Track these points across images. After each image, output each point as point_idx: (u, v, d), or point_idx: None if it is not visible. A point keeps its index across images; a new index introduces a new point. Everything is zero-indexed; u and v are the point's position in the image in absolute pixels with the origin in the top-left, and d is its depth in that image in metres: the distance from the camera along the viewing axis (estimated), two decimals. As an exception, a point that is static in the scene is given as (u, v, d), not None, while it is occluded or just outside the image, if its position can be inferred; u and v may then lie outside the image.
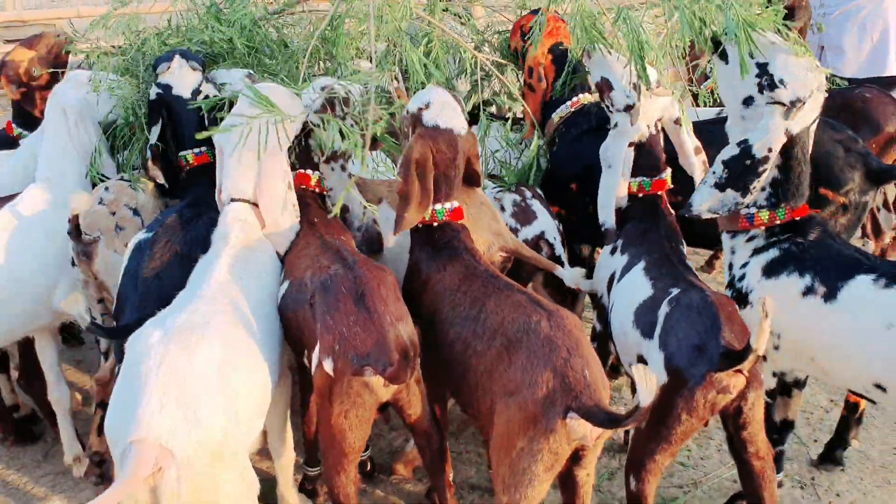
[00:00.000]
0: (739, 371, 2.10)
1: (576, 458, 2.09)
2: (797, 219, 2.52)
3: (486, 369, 2.20)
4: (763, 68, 2.44)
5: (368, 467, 3.11)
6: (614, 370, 3.34)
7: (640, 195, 2.84)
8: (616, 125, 2.88)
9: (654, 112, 2.86)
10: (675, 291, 2.37)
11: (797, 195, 2.52)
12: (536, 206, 3.14)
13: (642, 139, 2.85)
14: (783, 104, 2.41)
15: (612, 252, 2.81)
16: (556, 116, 3.43)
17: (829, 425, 3.41)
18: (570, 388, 1.98)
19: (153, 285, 2.61)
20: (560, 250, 3.09)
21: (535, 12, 3.53)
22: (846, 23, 5.04)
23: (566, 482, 2.17)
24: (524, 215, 3.10)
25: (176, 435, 1.92)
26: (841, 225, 3.05)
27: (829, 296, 2.34)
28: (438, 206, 2.59)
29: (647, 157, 2.85)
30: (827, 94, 3.92)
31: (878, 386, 2.29)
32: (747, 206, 2.54)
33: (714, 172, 2.48)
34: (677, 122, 2.92)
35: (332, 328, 2.23)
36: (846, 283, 2.33)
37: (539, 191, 3.29)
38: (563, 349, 2.05)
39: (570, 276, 2.87)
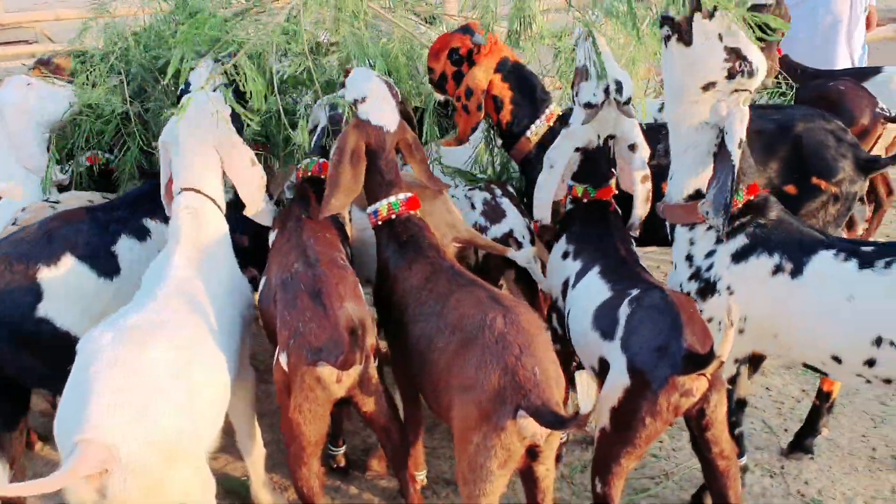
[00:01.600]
0: (702, 374, 2.11)
1: (532, 453, 2.12)
2: (753, 199, 2.53)
3: (445, 365, 2.24)
4: (736, 53, 2.38)
5: (343, 463, 3.13)
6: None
7: (585, 200, 2.83)
8: (569, 124, 2.81)
9: (609, 127, 2.79)
10: (634, 292, 2.38)
11: (749, 173, 2.53)
12: (506, 203, 3.15)
13: (590, 146, 2.80)
14: (748, 91, 2.40)
15: (564, 257, 2.80)
16: (531, 134, 3.20)
17: (799, 415, 3.45)
18: (520, 386, 2.02)
19: None
20: (528, 248, 3.08)
21: (464, 30, 3.22)
22: (797, 10, 5.06)
23: (526, 477, 2.21)
24: (493, 213, 3.12)
25: (124, 436, 1.92)
26: (830, 215, 3.06)
27: (796, 271, 2.38)
28: (392, 199, 2.65)
29: (593, 166, 2.81)
30: (799, 86, 4.01)
31: (835, 357, 2.34)
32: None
33: (729, 186, 2.38)
34: (632, 147, 2.81)
35: (288, 324, 2.30)
36: (810, 258, 2.38)
37: (510, 188, 3.29)
38: (515, 347, 2.09)
39: (522, 255, 2.90)
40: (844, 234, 4.27)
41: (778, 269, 2.42)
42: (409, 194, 2.69)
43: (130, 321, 2.16)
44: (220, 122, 2.73)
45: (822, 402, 3.22)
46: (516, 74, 3.21)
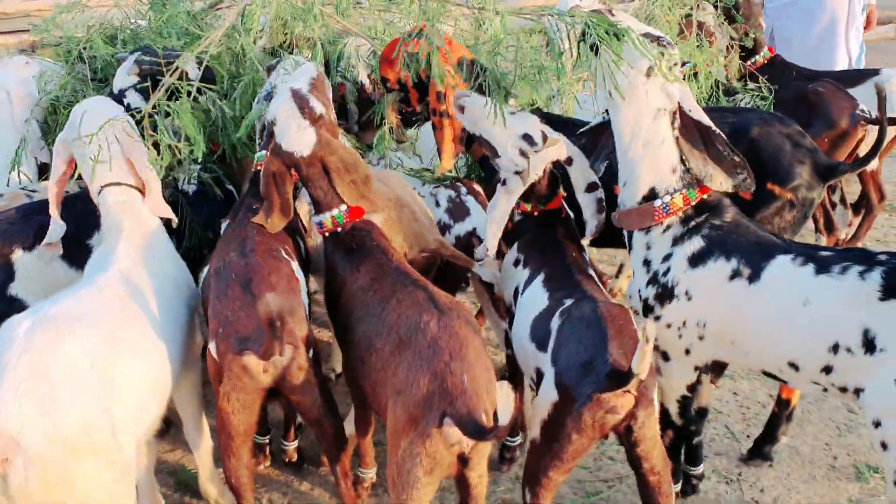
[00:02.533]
0: (626, 391, 2.10)
1: (463, 459, 2.13)
2: (706, 198, 2.51)
3: (381, 367, 2.25)
4: (653, 37, 2.49)
5: (295, 458, 3.14)
6: None
7: (535, 213, 2.80)
8: (504, 182, 2.73)
9: (544, 163, 2.73)
10: (567, 302, 2.36)
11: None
12: (471, 202, 3.15)
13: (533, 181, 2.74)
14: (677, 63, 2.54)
15: (515, 265, 2.79)
16: None
17: (763, 421, 3.41)
18: (447, 393, 2.02)
19: None
20: None
21: (418, 34, 3.14)
22: (790, 10, 4.98)
23: (459, 483, 2.22)
24: (458, 211, 3.13)
25: (26, 426, 1.91)
26: (786, 221, 3.01)
27: (754, 277, 2.36)
28: (335, 211, 2.61)
29: (540, 189, 2.77)
30: (779, 87, 3.94)
31: (792, 364, 2.33)
32: (661, 196, 2.52)
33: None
34: (568, 162, 2.76)
35: (218, 312, 2.32)
36: (768, 263, 2.36)
37: (477, 186, 3.27)
38: (445, 352, 2.09)
39: (486, 272, 2.89)
40: (824, 239, 4.24)
41: (735, 274, 2.40)
42: (349, 205, 2.63)
43: (52, 310, 2.14)
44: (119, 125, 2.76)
45: (782, 410, 3.19)
46: (474, 74, 3.18)
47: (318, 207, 2.65)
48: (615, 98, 2.49)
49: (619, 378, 2.06)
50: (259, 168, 2.84)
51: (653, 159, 2.51)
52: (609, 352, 2.11)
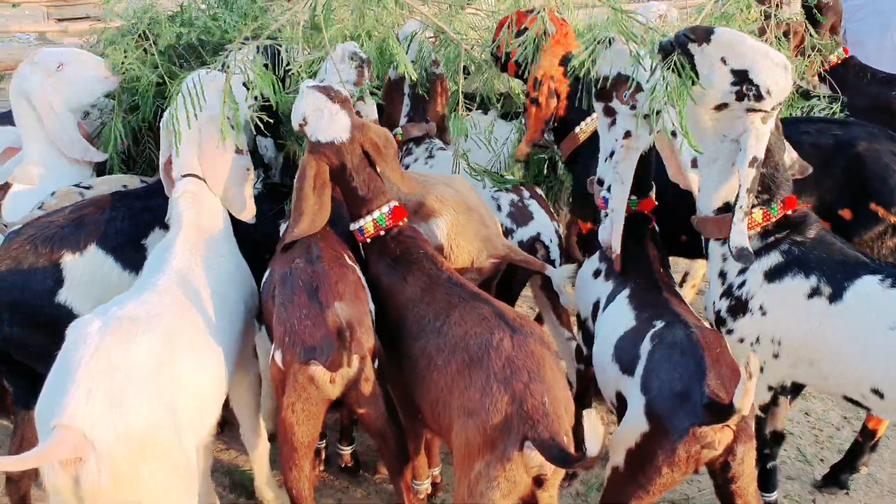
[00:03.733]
0: (726, 425, 1.95)
1: (538, 481, 2.01)
2: (790, 214, 2.38)
3: (446, 385, 2.14)
4: (743, 76, 2.22)
5: (351, 463, 3.05)
6: None
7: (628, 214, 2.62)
8: (627, 134, 2.55)
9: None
10: (658, 325, 2.22)
11: (784, 186, 2.37)
12: (534, 206, 3.01)
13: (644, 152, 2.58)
14: (765, 111, 2.23)
15: (596, 276, 2.64)
16: (580, 131, 3.12)
17: (837, 444, 3.27)
18: (527, 416, 1.92)
19: None
20: (556, 253, 2.96)
21: (531, 11, 3.14)
22: (864, 12, 4.72)
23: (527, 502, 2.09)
24: (521, 215, 2.99)
25: (99, 425, 1.88)
26: (887, 248, 2.81)
27: (835, 296, 2.23)
28: (377, 214, 2.50)
29: (637, 173, 2.57)
30: (854, 90, 3.72)
31: (876, 391, 2.19)
32: None
33: (742, 207, 2.25)
34: (673, 133, 2.56)
35: (284, 320, 2.23)
36: (852, 283, 2.23)
37: (539, 191, 3.13)
38: (523, 372, 1.98)
39: (560, 274, 2.74)
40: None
41: (815, 292, 2.27)
42: (394, 204, 2.53)
43: (120, 311, 2.11)
44: (213, 107, 2.64)
45: (866, 440, 3.02)
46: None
47: (357, 211, 2.53)
48: (690, 111, 2.34)
49: (719, 411, 1.92)
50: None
51: (725, 177, 2.39)
52: (707, 383, 1.97)
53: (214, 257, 2.51)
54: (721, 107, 2.29)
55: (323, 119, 2.45)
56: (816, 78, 3.86)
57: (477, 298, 2.27)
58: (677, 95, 2.27)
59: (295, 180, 2.51)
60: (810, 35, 3.83)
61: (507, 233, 2.94)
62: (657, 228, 2.68)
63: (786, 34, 3.72)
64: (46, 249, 2.57)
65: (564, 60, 3.06)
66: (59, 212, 2.73)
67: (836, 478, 3.06)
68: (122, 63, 3.21)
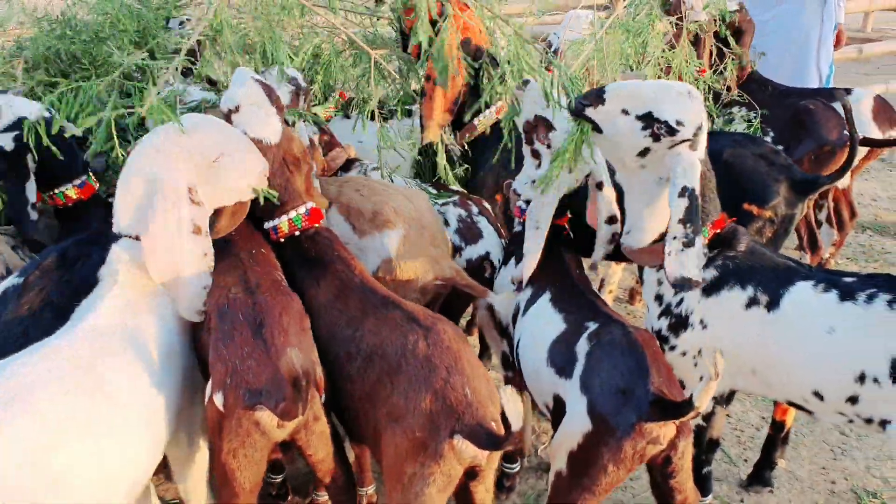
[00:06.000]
0: (671, 421, 1.97)
1: (472, 474, 2.00)
2: (719, 232, 2.42)
3: (366, 394, 2.10)
4: (649, 118, 2.21)
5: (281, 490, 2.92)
6: None
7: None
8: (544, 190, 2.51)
9: (585, 169, 2.56)
10: (592, 326, 2.23)
11: (713, 210, 2.42)
12: (483, 223, 2.96)
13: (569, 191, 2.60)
14: (688, 140, 2.24)
15: (514, 281, 2.63)
16: (478, 122, 3.17)
17: (759, 444, 3.33)
18: (451, 410, 1.91)
19: (16, 343, 2.10)
20: None
21: None
22: (768, 27, 5.03)
23: (463, 498, 2.07)
24: (469, 233, 2.93)
25: None
26: (767, 238, 2.97)
27: (772, 304, 2.28)
28: (293, 214, 2.42)
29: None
30: (759, 102, 3.92)
31: (817, 394, 2.24)
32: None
33: (676, 237, 2.23)
34: (599, 186, 2.57)
35: (224, 359, 2.04)
36: (787, 290, 2.27)
37: (486, 204, 3.09)
38: (441, 369, 1.97)
39: (502, 303, 2.67)
40: (808, 257, 4.22)
41: (752, 302, 2.31)
42: (311, 205, 2.45)
43: None
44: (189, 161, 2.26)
45: (777, 433, 3.11)
46: (476, 58, 3.14)
47: (272, 210, 2.43)
48: (619, 166, 2.39)
49: (670, 408, 1.92)
50: None
51: (661, 212, 2.38)
52: (650, 380, 1.98)
53: (153, 319, 2.17)
54: (644, 152, 2.27)
55: (257, 115, 2.36)
56: (736, 90, 4.04)
57: (388, 304, 2.22)
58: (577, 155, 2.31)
59: None
60: (723, 46, 4.01)
61: (456, 250, 2.89)
62: (571, 234, 2.69)
63: (695, 44, 3.88)
64: None
65: (464, 45, 3.10)
66: None
67: (760, 476, 3.13)
68: None
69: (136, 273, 2.19)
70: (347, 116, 3.59)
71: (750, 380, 2.39)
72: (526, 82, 2.62)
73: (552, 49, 3.19)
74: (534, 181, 2.60)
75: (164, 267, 2.17)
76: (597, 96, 2.25)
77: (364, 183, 2.81)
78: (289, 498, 2.97)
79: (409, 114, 3.62)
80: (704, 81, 3.83)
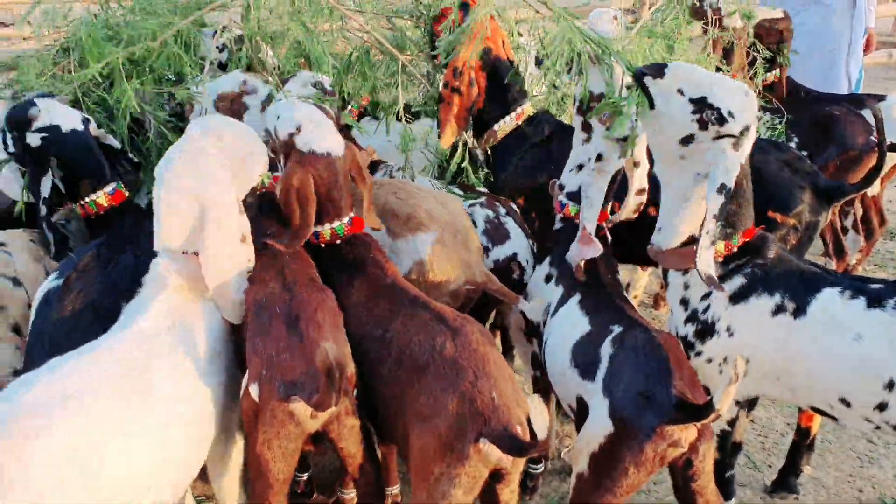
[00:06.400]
0: (693, 424, 1.98)
1: (497, 476, 2.02)
2: (749, 241, 2.43)
3: (396, 394, 2.13)
4: (701, 103, 2.22)
5: (307, 487, 2.96)
6: None
7: (577, 221, 2.64)
8: (599, 157, 2.57)
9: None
10: (616, 329, 2.24)
11: (746, 219, 2.42)
12: (510, 224, 2.97)
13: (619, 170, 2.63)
14: (733, 136, 2.24)
15: (547, 280, 2.66)
16: (499, 128, 3.22)
17: (784, 450, 3.31)
18: (478, 412, 1.93)
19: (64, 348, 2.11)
20: (530, 274, 2.92)
21: (462, 7, 3.23)
22: (797, 31, 4.99)
23: (488, 500, 2.09)
24: (497, 234, 2.93)
25: None
26: (791, 246, 2.95)
27: (799, 311, 2.28)
28: (336, 224, 2.49)
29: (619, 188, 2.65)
30: (790, 108, 3.90)
31: (843, 401, 2.25)
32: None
33: (708, 232, 2.24)
34: (637, 164, 2.61)
35: (260, 352, 2.11)
36: (814, 297, 2.28)
37: (513, 205, 3.11)
38: (469, 372, 1.99)
39: (533, 310, 2.67)
40: (833, 263, 4.19)
41: (779, 309, 2.32)
42: (352, 215, 2.52)
43: (19, 401, 1.73)
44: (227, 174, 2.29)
45: (802, 439, 3.10)
46: (495, 66, 3.20)
47: (321, 218, 2.49)
48: (658, 154, 2.40)
49: (690, 412, 1.94)
50: (264, 190, 2.66)
51: (695, 212, 2.39)
52: (672, 383, 1.99)
53: (200, 322, 2.22)
54: (687, 140, 2.27)
55: (319, 130, 2.42)
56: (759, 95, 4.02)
57: (417, 304, 2.27)
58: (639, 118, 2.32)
59: (279, 192, 2.44)
60: (756, 51, 4.00)
61: (483, 251, 2.89)
62: (609, 237, 2.71)
63: (729, 50, 3.87)
64: None
65: (483, 54, 3.16)
66: None
67: (786, 482, 3.12)
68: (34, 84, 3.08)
69: (182, 280, 2.25)
70: (376, 118, 3.64)
71: (775, 386, 2.39)
72: (599, 57, 2.64)
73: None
74: (580, 166, 2.67)
75: (219, 277, 2.24)
76: (658, 69, 2.28)
77: (400, 186, 2.85)
78: (314, 496, 3.02)
79: (434, 115, 3.65)
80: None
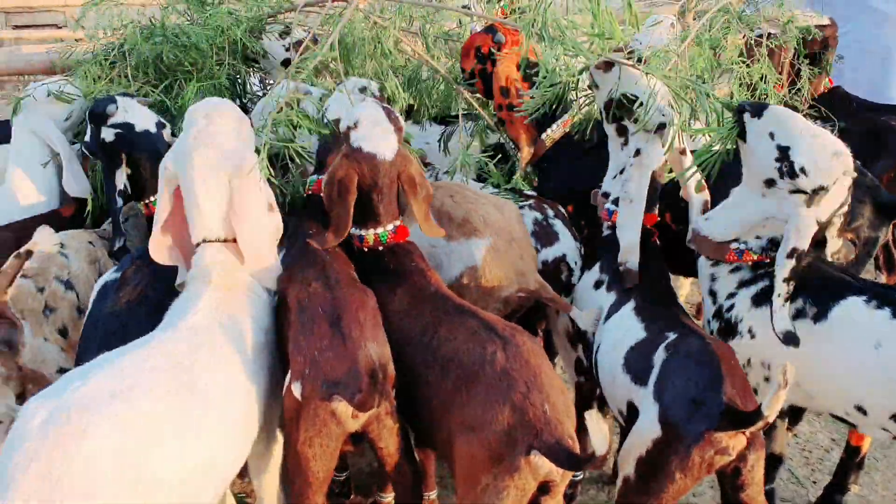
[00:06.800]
0: (741, 431, 1.95)
1: (544, 488, 1.99)
2: None
3: (441, 402, 2.11)
4: (784, 152, 2.23)
5: (344, 488, 2.98)
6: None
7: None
8: (637, 152, 2.59)
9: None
10: (671, 336, 2.23)
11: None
12: (559, 226, 2.95)
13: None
14: (805, 192, 2.22)
15: (597, 287, 2.65)
16: (547, 138, 3.20)
17: (829, 466, 3.27)
18: (530, 425, 1.91)
19: (118, 338, 2.15)
20: (578, 275, 2.90)
21: (488, 30, 3.25)
22: (845, 41, 4.90)
23: None
24: (545, 235, 2.91)
25: None
26: (848, 262, 2.88)
27: (820, 316, 2.28)
28: (380, 230, 2.47)
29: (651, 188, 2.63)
30: (844, 118, 3.83)
31: (860, 408, 2.23)
32: (741, 244, 2.46)
33: (780, 295, 2.25)
34: (683, 152, 2.63)
35: (303, 350, 2.11)
36: (837, 303, 2.27)
37: (561, 209, 3.09)
38: (520, 383, 1.96)
39: (585, 320, 2.64)
40: (884, 277, 4.10)
41: (799, 314, 2.31)
42: (398, 223, 2.50)
43: (75, 393, 1.72)
44: (245, 145, 2.38)
45: (851, 457, 3.02)
46: (537, 75, 3.15)
47: (365, 221, 2.49)
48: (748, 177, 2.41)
49: (738, 419, 1.92)
50: (311, 192, 2.69)
51: (745, 225, 2.43)
52: (723, 390, 1.97)
53: (245, 318, 2.22)
54: (770, 183, 2.29)
55: (375, 131, 2.42)
56: (806, 106, 3.96)
57: (463, 312, 2.24)
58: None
59: (324, 186, 2.46)
60: (799, 63, 3.94)
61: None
62: (658, 243, 2.70)
63: (769, 57, 3.82)
64: None
65: (520, 66, 3.16)
66: None
67: (831, 499, 3.04)
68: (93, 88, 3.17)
69: (226, 273, 2.27)
70: (417, 122, 3.66)
71: (795, 391, 2.36)
72: (609, 63, 2.67)
73: (635, 57, 3.17)
74: (622, 171, 2.67)
75: (253, 244, 2.30)
76: (758, 109, 2.31)
77: (457, 189, 2.84)
78: (351, 497, 3.03)
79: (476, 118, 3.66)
80: (782, 98, 3.76)
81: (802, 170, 2.20)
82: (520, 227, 2.77)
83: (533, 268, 2.72)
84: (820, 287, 2.32)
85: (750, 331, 2.40)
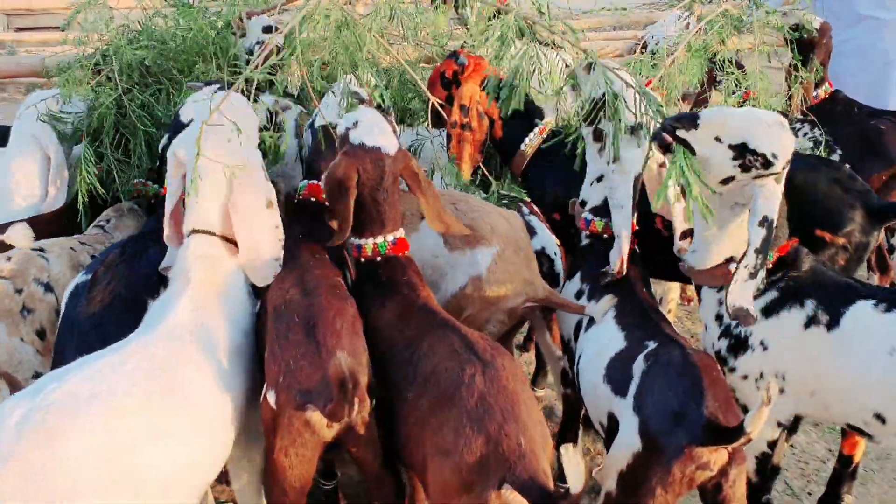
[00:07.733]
0: (723, 447, 1.91)
1: None
2: (783, 255, 2.39)
3: (417, 421, 2.05)
4: (742, 149, 2.18)
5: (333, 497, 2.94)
6: None
7: (605, 235, 2.65)
8: (616, 160, 2.56)
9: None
10: (651, 345, 2.19)
11: (781, 236, 2.38)
12: (535, 221, 2.95)
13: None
14: (774, 174, 2.20)
15: (578, 297, 2.62)
16: (526, 147, 3.20)
17: (825, 477, 3.21)
18: (503, 458, 1.83)
19: (93, 338, 2.16)
20: (560, 266, 2.90)
21: (451, 56, 3.31)
22: (844, 48, 4.86)
23: None
24: None
25: None
26: (839, 266, 2.86)
27: (832, 324, 2.23)
28: (380, 240, 2.42)
29: None
30: (842, 124, 3.79)
31: (878, 416, 2.19)
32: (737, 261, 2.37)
33: (747, 266, 2.20)
34: (662, 165, 2.57)
35: (278, 358, 2.09)
36: (847, 309, 2.23)
37: (535, 207, 3.09)
38: (497, 413, 1.89)
39: (599, 312, 2.56)
40: (876, 278, 4.07)
41: (811, 321, 2.27)
42: (399, 234, 2.45)
43: (51, 394, 1.72)
44: (244, 140, 2.40)
45: (844, 467, 2.98)
46: (499, 91, 3.20)
47: (364, 228, 2.43)
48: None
49: (720, 434, 1.88)
50: (301, 198, 2.67)
51: (734, 235, 2.36)
52: (705, 403, 1.93)
53: (225, 314, 2.23)
54: (727, 180, 2.25)
55: (376, 129, 2.41)
56: (799, 112, 3.91)
57: (446, 327, 2.19)
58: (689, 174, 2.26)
59: (324, 184, 2.42)
60: (794, 68, 3.90)
61: None
62: (638, 250, 2.67)
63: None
64: None
65: (484, 84, 3.20)
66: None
67: (824, 511, 3.02)
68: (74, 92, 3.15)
69: (209, 271, 2.28)
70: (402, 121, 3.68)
71: (810, 403, 2.33)
72: (590, 65, 2.67)
73: (647, 50, 3.16)
74: (600, 177, 2.67)
75: (250, 239, 2.32)
76: (690, 120, 2.24)
77: (461, 197, 2.81)
78: (340, 506, 3.00)
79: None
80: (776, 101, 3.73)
81: (774, 155, 2.17)
82: (525, 235, 2.75)
83: (539, 276, 2.69)
84: (829, 294, 2.29)
85: (762, 343, 2.35)
